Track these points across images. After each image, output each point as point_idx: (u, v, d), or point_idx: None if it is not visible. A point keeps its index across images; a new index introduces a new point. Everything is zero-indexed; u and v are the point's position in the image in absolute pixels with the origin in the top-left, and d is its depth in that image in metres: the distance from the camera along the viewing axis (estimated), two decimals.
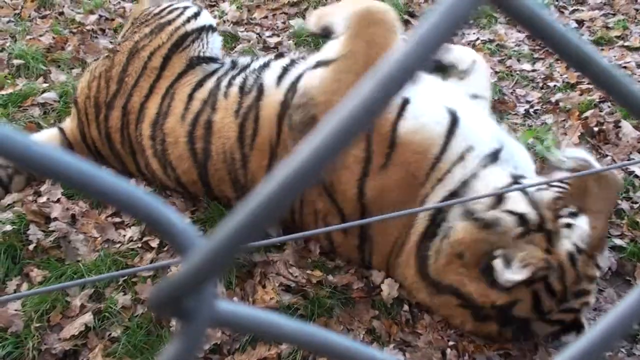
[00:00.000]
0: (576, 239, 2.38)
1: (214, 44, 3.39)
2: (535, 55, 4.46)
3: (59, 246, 2.92)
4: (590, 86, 4.02)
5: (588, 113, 3.69)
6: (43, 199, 3.11)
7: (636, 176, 3.32)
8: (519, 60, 4.39)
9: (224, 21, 4.80)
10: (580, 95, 3.91)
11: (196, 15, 3.40)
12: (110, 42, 4.53)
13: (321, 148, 0.39)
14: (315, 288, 2.73)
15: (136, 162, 3.21)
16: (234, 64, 3.26)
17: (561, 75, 4.17)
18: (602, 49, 4.45)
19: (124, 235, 2.99)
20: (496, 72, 4.22)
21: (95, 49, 4.39)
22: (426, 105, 2.67)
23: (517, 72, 4.23)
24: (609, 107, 3.79)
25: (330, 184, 2.67)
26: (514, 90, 4.07)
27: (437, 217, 2.58)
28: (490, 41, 4.60)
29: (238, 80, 3.03)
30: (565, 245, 2.37)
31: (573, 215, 2.43)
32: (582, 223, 2.40)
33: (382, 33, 2.65)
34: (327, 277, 2.78)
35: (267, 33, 4.73)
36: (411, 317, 2.69)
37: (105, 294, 2.73)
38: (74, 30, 4.62)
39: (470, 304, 2.47)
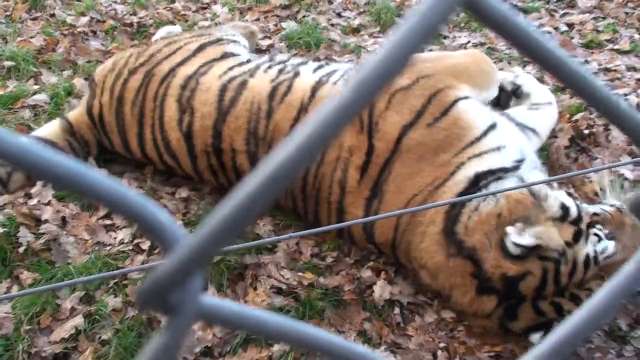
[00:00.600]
0: (599, 251, 2.51)
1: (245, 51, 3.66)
2: (526, 59, 4.47)
3: (49, 249, 2.91)
4: None
5: (578, 116, 3.71)
6: (34, 201, 3.10)
7: (626, 179, 3.33)
8: (509, 63, 4.40)
9: (216, 24, 4.80)
10: (571, 98, 3.92)
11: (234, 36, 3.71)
12: (102, 44, 4.53)
13: (306, 142, 0.40)
14: (307, 290, 2.74)
15: (140, 125, 3.24)
16: (271, 59, 3.44)
17: (551, 78, 4.18)
18: (592, 52, 4.48)
19: (115, 238, 2.99)
20: None
21: (86, 50, 4.38)
22: (479, 105, 2.99)
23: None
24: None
25: (375, 122, 2.80)
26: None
27: (481, 182, 2.68)
28: (482, 44, 4.62)
29: (277, 67, 3.26)
30: (588, 248, 2.51)
31: (605, 234, 2.57)
32: (610, 244, 2.54)
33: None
34: (319, 279, 2.79)
35: (259, 35, 4.73)
36: (402, 320, 2.70)
37: (96, 296, 2.72)
38: (65, 32, 4.62)
39: (481, 273, 2.54)
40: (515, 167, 2.79)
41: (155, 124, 3.19)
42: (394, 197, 2.74)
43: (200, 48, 3.42)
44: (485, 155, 2.77)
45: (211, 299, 0.45)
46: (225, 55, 3.39)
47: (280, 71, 3.19)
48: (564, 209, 2.58)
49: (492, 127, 2.89)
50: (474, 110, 2.91)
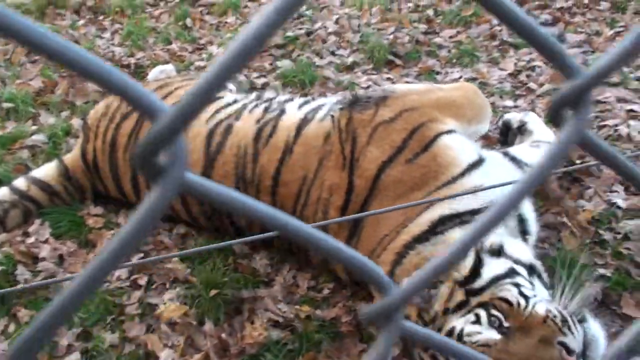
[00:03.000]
0: (467, 331, 2.30)
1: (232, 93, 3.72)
2: (517, 92, 4.55)
3: (47, 286, 2.92)
4: None
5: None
6: (31, 239, 3.12)
7: (618, 207, 3.37)
8: (501, 97, 4.48)
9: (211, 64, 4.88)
10: None
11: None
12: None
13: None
14: (304, 323, 2.74)
15: (134, 170, 3.27)
16: (258, 97, 3.50)
17: (542, 110, 4.25)
18: None
19: (113, 274, 3.00)
20: None
21: (84, 92, 4.46)
22: (463, 141, 2.90)
23: (500, 109, 4.31)
24: None
25: (357, 158, 2.81)
26: (497, 126, 4.14)
27: (438, 227, 2.62)
28: (473, 79, 4.70)
29: (263, 105, 3.30)
30: (457, 323, 2.32)
31: (493, 323, 2.29)
32: (487, 333, 2.27)
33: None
34: (315, 311, 2.79)
35: (255, 74, 4.82)
36: (399, 351, 2.70)
37: (93, 332, 2.73)
38: (64, 74, 4.70)
39: None
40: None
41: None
42: (369, 237, 2.74)
43: (177, 88, 3.51)
44: (458, 197, 2.67)
45: (195, 176, 0.48)
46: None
47: (266, 110, 3.23)
48: (473, 276, 2.40)
49: (475, 164, 2.81)
50: (456, 147, 2.84)
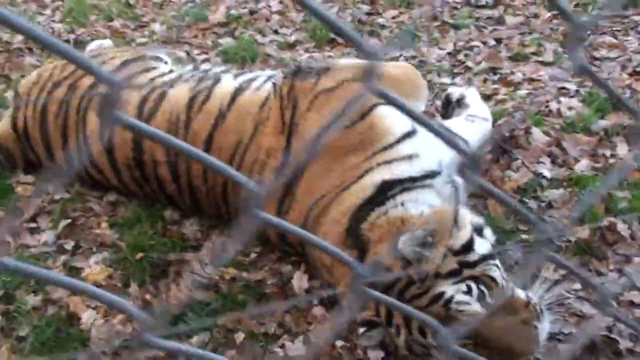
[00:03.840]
0: (457, 299, 2.39)
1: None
2: (455, 70, 4.64)
3: None
4: (505, 97, 4.21)
5: (501, 121, 3.85)
6: None
7: (544, 177, 3.47)
8: (439, 75, 4.55)
9: (153, 40, 4.87)
10: (495, 105, 4.08)
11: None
12: (37, 60, 4.55)
13: None
14: (229, 284, 2.77)
15: (64, 138, 3.26)
16: (195, 68, 3.54)
17: (478, 87, 4.34)
18: (518, 64, 4.66)
19: (39, 240, 2.98)
20: None
21: (20, 66, 4.41)
22: (400, 112, 2.85)
23: (437, 85, 4.39)
24: (520, 115, 3.96)
25: (296, 123, 2.84)
26: (433, 102, 4.21)
27: (388, 192, 2.68)
28: (413, 57, 4.77)
29: (199, 75, 3.34)
30: (448, 289, 2.41)
31: (480, 297, 2.42)
32: (474, 305, 2.40)
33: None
34: (242, 273, 2.82)
35: (196, 51, 4.81)
36: (323, 311, 2.73)
37: (16, 295, 2.71)
38: (1, 49, 4.63)
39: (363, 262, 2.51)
40: (425, 178, 2.80)
41: (79, 136, 3.21)
42: (304, 198, 2.78)
43: (124, 64, 3.49)
44: (395, 163, 2.78)
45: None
46: (147, 70, 3.45)
47: (201, 79, 3.25)
48: (467, 248, 2.49)
49: (409, 134, 2.90)
50: (392, 117, 2.91)
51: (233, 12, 5.35)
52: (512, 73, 4.53)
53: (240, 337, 2.58)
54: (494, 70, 4.62)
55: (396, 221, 2.57)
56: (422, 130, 3.02)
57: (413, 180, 2.76)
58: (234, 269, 2.85)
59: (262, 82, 3.15)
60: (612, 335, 2.66)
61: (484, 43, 4.98)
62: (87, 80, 3.31)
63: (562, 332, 2.67)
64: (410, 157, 2.82)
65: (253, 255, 2.96)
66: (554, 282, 2.68)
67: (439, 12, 5.40)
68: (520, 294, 2.50)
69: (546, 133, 3.78)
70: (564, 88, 4.34)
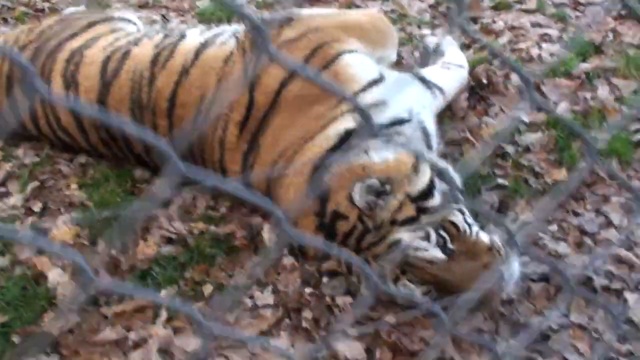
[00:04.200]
0: (414, 245, 2.36)
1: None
2: (436, 22, 4.55)
3: None
4: (485, 45, 4.13)
5: (479, 68, 3.77)
6: None
7: (522, 122, 3.40)
8: (419, 27, 4.47)
9: (130, 5, 4.80)
10: (474, 54, 4.00)
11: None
12: (11, 30, 4.50)
13: None
14: (197, 239, 2.74)
15: (31, 102, 3.20)
16: (162, 27, 3.57)
17: (458, 37, 4.25)
18: (500, 13, 4.56)
19: (7, 203, 2.96)
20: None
21: None
22: (366, 60, 2.93)
23: (417, 38, 4.30)
24: (499, 63, 3.88)
25: (258, 76, 2.78)
26: (413, 53, 4.13)
27: (353, 139, 2.64)
28: (393, 11, 4.68)
29: (164, 32, 3.31)
30: (405, 236, 2.38)
31: (440, 243, 2.39)
32: (433, 251, 2.37)
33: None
34: (210, 227, 2.79)
35: (173, 14, 4.74)
36: (291, 262, 2.70)
37: None
38: None
39: (323, 211, 2.48)
40: (392, 126, 2.76)
41: (45, 100, 3.17)
42: (269, 150, 2.74)
43: (90, 25, 3.43)
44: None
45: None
46: (114, 30, 3.40)
47: (166, 36, 3.20)
48: (426, 194, 2.47)
49: (375, 82, 2.86)
50: (358, 65, 2.88)
51: None
52: (494, 22, 4.44)
53: (208, 289, 2.56)
54: (475, 19, 4.53)
55: (357, 169, 2.52)
56: (390, 78, 2.98)
57: (379, 128, 2.69)
58: (203, 223, 2.82)
59: (227, 37, 3.09)
60: (587, 273, 2.62)
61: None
62: (53, 42, 3.26)
63: (535, 272, 2.63)
64: (377, 105, 2.76)
65: (223, 210, 2.92)
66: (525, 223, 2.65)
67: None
68: (484, 237, 2.46)
69: None
70: (546, 34, 4.26)
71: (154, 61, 3.01)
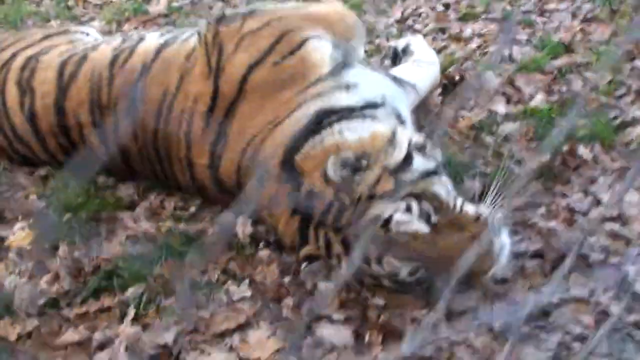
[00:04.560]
0: (396, 219, 2.18)
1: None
2: (403, 34, 4.52)
3: None
4: (454, 50, 4.09)
5: (451, 68, 3.72)
6: None
7: (497, 114, 3.33)
8: (387, 39, 4.43)
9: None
10: (445, 58, 3.95)
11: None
12: None
13: None
14: (166, 235, 2.56)
15: None
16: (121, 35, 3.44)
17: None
18: (467, 23, 4.55)
19: None
20: (365, 52, 4.23)
21: None
22: (332, 47, 2.81)
23: (386, 48, 4.24)
24: (471, 65, 3.83)
25: (222, 66, 2.68)
26: (382, 62, 4.07)
27: (324, 120, 2.50)
28: None
29: (123, 37, 3.22)
30: (385, 209, 2.20)
31: (423, 215, 2.21)
32: (417, 225, 2.19)
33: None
34: (179, 225, 2.61)
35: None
36: (267, 257, 2.52)
37: None
38: None
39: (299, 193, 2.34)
40: (365, 108, 2.61)
41: (0, 110, 3.01)
42: (237, 139, 2.60)
43: (46, 36, 3.35)
44: (330, 93, 2.61)
45: None
46: (71, 41, 3.30)
47: (124, 41, 3.10)
48: (404, 166, 2.30)
49: (344, 66, 2.77)
50: (325, 50, 2.78)
51: (175, 4, 5.22)
52: (462, 31, 4.43)
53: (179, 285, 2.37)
54: (442, 30, 4.51)
55: (331, 148, 2.38)
56: (359, 64, 2.90)
57: (352, 110, 2.57)
58: (172, 222, 2.64)
59: (188, 35, 2.99)
60: (583, 251, 2.48)
61: (432, 9, 4.88)
62: (7, 53, 3.13)
63: (528, 250, 2.49)
64: (347, 87, 2.66)
65: (193, 209, 2.75)
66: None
67: None
68: (469, 208, 2.31)
69: (499, 75, 3.66)
70: (514, 39, 4.24)
71: (113, 62, 2.90)
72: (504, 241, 2.29)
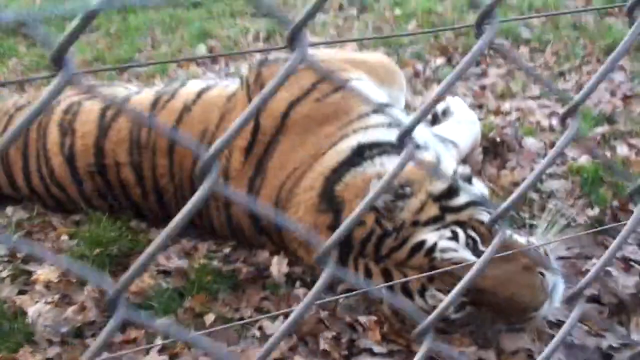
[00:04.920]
0: (441, 246, 2.12)
1: None
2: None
3: None
4: (493, 120, 4.06)
5: (491, 133, 3.67)
6: None
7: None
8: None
9: None
10: (484, 126, 3.91)
11: None
12: None
13: None
14: (198, 271, 2.45)
15: (25, 158, 3.05)
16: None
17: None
18: (505, 100, 4.55)
19: None
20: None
21: None
22: (375, 88, 2.84)
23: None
24: (511, 131, 3.79)
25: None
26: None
27: (365, 153, 2.45)
28: None
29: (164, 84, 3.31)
30: (429, 236, 2.13)
31: (469, 243, 2.14)
32: (463, 253, 2.11)
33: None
34: (212, 262, 2.51)
35: None
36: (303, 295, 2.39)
37: None
38: None
39: (337, 223, 2.23)
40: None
41: (40, 153, 3.02)
42: (276, 173, 2.54)
43: (92, 86, 3.37)
44: (372, 129, 2.57)
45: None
46: (114, 90, 3.35)
47: (167, 85, 3.16)
48: (450, 193, 2.22)
49: (386, 105, 2.77)
50: (367, 90, 2.77)
51: None
52: (500, 106, 4.41)
53: (210, 318, 2.24)
54: (480, 106, 4.50)
55: (372, 177, 2.31)
56: (400, 105, 2.88)
57: (394, 145, 2.51)
58: (206, 259, 2.54)
59: (229, 82, 3.02)
60: None
61: (469, 89, 4.91)
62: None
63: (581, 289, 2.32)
64: (390, 125, 2.61)
65: (226, 250, 2.65)
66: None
67: (421, 70, 5.38)
68: (520, 238, 2.19)
69: (540, 141, 3.60)
70: (553, 112, 4.20)
71: (154, 103, 2.91)
72: (557, 279, 2.14)
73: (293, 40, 0.83)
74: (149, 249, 0.76)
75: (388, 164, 2.38)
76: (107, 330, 0.73)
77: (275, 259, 2.48)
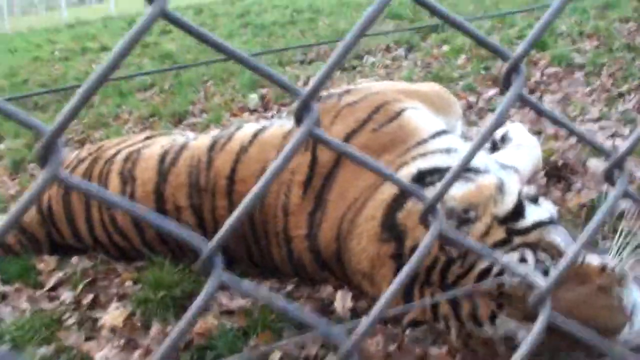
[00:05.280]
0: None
1: None
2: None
3: None
4: (553, 144, 3.96)
5: (552, 157, 3.57)
6: None
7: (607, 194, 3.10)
8: None
9: None
10: (544, 150, 3.82)
11: None
12: None
13: None
14: (262, 310, 2.41)
15: (87, 208, 3.11)
16: None
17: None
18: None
19: (58, 297, 2.73)
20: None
21: None
22: (430, 115, 2.86)
23: None
24: (573, 154, 3.68)
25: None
26: None
27: (426, 179, 2.39)
28: None
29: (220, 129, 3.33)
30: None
31: (539, 265, 2.04)
32: (536, 277, 1.98)
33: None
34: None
35: None
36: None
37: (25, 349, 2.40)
38: None
39: (400, 252, 2.18)
40: (469, 171, 2.42)
41: (102, 203, 3.07)
42: (336, 205, 2.51)
43: (148, 137, 3.46)
44: (431, 155, 2.53)
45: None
46: (173, 139, 3.40)
47: (223, 129, 3.20)
48: (516, 215, 2.12)
49: (443, 132, 2.72)
50: (423, 118, 2.76)
51: None
52: (558, 131, 4.31)
53: (276, 356, 2.19)
54: (539, 132, 4.40)
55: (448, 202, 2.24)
56: (457, 131, 2.83)
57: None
58: None
59: (285, 121, 3.03)
60: None
61: (525, 115, 4.82)
62: (112, 151, 3.24)
63: None
64: (448, 151, 2.56)
65: (289, 287, 2.61)
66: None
67: (474, 102, 5.32)
68: (593, 258, 2.07)
69: (604, 161, 3.47)
70: (616, 133, 4.07)
71: (212, 147, 2.94)
72: (635, 295, 2.02)
73: (301, 115, 0.82)
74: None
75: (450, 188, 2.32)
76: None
77: (339, 294, 2.43)
